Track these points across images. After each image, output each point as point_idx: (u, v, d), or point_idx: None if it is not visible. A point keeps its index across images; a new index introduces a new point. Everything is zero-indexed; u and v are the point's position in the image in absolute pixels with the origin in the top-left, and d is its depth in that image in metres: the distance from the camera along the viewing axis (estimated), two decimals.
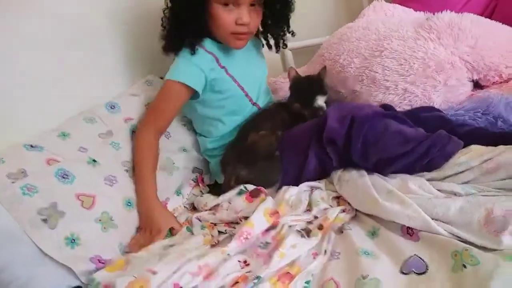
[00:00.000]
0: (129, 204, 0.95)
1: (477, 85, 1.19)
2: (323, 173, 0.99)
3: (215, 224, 0.96)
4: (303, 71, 1.33)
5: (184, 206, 1.09)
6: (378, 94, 1.15)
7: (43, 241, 0.78)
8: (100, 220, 0.87)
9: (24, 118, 0.98)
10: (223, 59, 1.11)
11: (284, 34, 1.20)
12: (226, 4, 1.02)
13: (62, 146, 0.95)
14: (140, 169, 1.00)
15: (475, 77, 1.15)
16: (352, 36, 1.30)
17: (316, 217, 0.88)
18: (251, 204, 0.92)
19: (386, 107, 1.06)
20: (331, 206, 0.91)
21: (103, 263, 0.82)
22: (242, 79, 1.13)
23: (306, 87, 1.14)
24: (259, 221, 0.84)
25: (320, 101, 1.13)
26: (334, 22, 1.92)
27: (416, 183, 0.84)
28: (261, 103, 1.19)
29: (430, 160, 0.87)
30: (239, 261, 0.78)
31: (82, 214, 0.84)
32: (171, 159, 1.11)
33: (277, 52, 1.23)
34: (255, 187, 0.97)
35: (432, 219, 0.74)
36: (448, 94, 1.11)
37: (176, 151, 1.15)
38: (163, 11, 1.10)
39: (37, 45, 1.01)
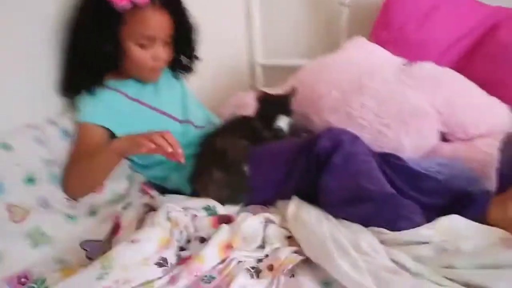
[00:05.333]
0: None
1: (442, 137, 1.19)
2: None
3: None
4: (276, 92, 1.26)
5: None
6: (352, 130, 1.09)
7: None
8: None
9: None
10: (133, 92, 1.11)
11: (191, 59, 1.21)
12: (142, 44, 1.03)
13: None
14: (86, 161, 0.95)
15: (444, 130, 1.16)
16: (334, 67, 1.27)
17: (267, 255, 0.83)
18: (214, 230, 0.87)
19: None
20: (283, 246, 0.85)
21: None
22: (159, 104, 1.13)
23: (269, 105, 1.09)
24: (211, 257, 0.79)
25: (282, 122, 1.08)
26: (309, 47, 1.88)
27: (368, 241, 0.79)
28: (194, 118, 1.18)
29: (390, 220, 0.84)
30: None
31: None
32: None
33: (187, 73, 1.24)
34: (225, 212, 0.94)
35: None
36: (419, 141, 1.10)
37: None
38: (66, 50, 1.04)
39: None
